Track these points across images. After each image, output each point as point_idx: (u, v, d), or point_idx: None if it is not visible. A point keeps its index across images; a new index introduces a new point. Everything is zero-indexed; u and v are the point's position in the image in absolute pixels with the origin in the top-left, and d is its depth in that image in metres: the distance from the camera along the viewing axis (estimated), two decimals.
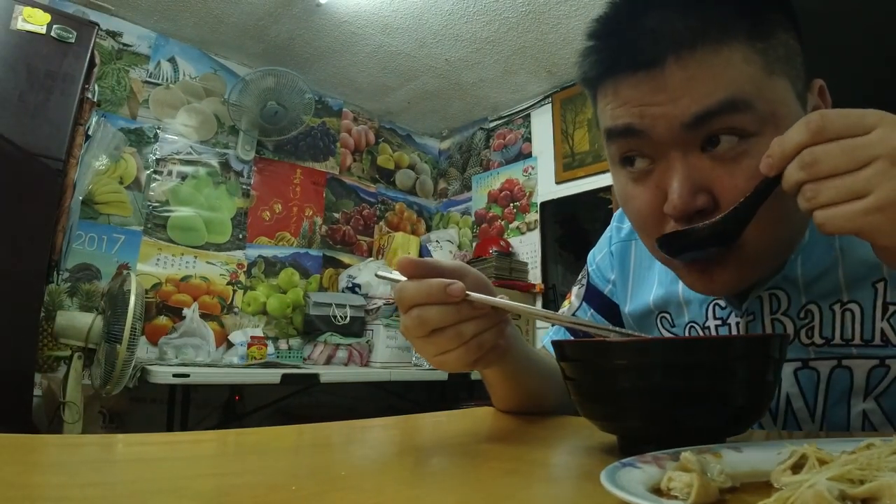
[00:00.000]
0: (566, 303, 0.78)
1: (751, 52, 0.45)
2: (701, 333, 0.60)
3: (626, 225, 0.72)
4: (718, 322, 0.59)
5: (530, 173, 3.19)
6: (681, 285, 0.61)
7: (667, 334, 0.64)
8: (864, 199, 0.33)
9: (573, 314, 0.75)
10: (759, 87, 0.44)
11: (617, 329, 0.49)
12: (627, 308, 0.69)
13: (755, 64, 0.45)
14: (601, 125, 0.53)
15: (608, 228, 0.76)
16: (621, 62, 0.47)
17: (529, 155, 3.22)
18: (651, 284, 0.66)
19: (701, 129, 0.45)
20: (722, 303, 0.59)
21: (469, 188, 3.54)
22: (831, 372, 0.52)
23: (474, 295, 0.45)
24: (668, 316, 0.64)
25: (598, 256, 0.75)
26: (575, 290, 0.77)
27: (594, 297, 0.74)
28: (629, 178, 0.51)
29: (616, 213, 0.75)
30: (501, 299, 0.46)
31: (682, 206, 0.45)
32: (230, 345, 2.58)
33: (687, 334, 0.62)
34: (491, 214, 3.36)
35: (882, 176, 0.33)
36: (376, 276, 0.58)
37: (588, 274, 0.76)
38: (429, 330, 0.45)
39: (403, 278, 0.46)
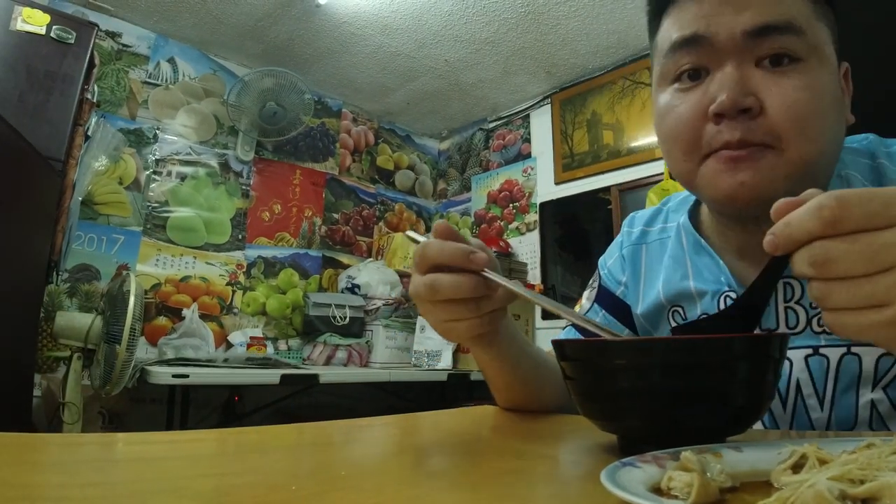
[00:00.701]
0: (577, 307, 0.79)
1: None
2: None
3: (636, 229, 0.74)
4: None
5: (530, 174, 3.19)
6: (691, 280, 0.62)
7: None
8: (881, 309, 0.29)
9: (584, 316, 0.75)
10: (810, 23, 0.50)
11: (624, 337, 0.49)
12: (639, 308, 0.70)
13: (807, 6, 0.50)
14: (659, 51, 0.56)
15: (619, 234, 0.77)
16: None
17: (529, 155, 3.22)
18: (661, 281, 0.67)
19: (759, 42, 0.49)
20: (734, 294, 0.59)
21: (468, 189, 3.54)
22: (840, 359, 0.53)
23: (490, 273, 0.46)
24: (680, 310, 0.65)
25: (610, 261, 0.76)
26: (586, 293, 0.78)
27: (606, 297, 0.75)
28: (676, 92, 0.54)
29: (626, 220, 0.77)
30: (513, 285, 0.47)
31: (732, 97, 0.48)
32: (230, 345, 2.58)
33: None
34: (490, 215, 3.36)
35: None
36: (405, 235, 0.61)
37: (599, 277, 0.77)
38: (439, 298, 0.46)
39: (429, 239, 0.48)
